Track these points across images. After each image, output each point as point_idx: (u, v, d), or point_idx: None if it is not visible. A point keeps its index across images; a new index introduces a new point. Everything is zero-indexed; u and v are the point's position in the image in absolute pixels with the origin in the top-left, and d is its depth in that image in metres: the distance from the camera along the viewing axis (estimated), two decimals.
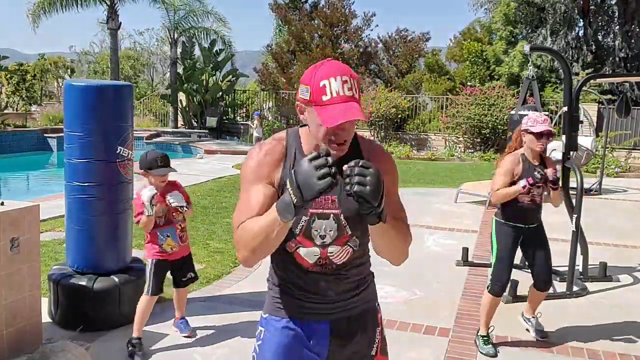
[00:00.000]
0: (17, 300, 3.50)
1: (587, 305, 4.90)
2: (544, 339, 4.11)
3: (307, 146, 1.81)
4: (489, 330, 4.03)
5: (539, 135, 3.79)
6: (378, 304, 2.03)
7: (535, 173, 3.80)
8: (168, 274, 4.00)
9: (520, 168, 3.86)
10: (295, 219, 1.67)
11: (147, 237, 3.85)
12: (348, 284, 1.89)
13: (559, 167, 4.00)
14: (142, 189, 3.73)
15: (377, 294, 2.05)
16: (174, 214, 3.85)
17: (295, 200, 1.56)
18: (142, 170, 3.80)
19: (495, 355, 3.90)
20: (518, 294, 4.89)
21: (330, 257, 1.83)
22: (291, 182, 1.57)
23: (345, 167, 1.58)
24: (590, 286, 5.29)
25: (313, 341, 1.89)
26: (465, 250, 6.01)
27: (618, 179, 13.07)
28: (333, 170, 1.53)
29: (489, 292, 3.99)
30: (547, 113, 5.52)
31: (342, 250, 1.83)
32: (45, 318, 4.01)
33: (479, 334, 4.05)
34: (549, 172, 3.83)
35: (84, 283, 4.07)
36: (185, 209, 3.83)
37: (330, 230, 1.80)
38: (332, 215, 1.79)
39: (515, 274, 5.46)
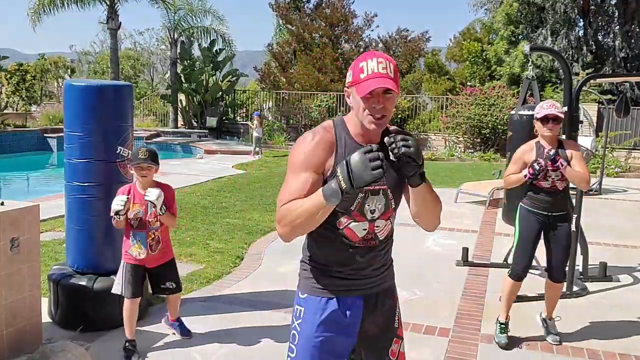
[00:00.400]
0: (17, 300, 3.50)
1: (587, 305, 4.90)
2: (557, 344, 4.06)
3: (354, 131, 1.99)
4: (508, 319, 4.08)
5: (544, 120, 3.87)
6: (394, 282, 2.27)
7: (535, 164, 3.84)
8: None
9: (532, 155, 3.94)
10: (352, 196, 1.92)
11: (124, 233, 3.79)
12: (380, 261, 2.11)
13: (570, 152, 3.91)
14: (120, 194, 3.68)
15: None
16: (149, 220, 3.71)
17: (345, 187, 1.76)
18: (128, 165, 3.77)
19: (505, 347, 3.95)
20: (518, 293, 4.89)
21: (376, 231, 2.04)
22: (342, 171, 1.77)
23: (385, 139, 1.84)
24: (590, 286, 5.29)
25: (349, 315, 2.08)
26: (465, 250, 6.01)
27: (618, 179, 13.07)
28: (384, 163, 1.75)
29: (508, 276, 4.08)
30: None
31: (385, 224, 2.06)
32: (45, 318, 4.01)
33: (498, 319, 4.12)
34: (552, 152, 3.84)
35: (84, 283, 4.07)
36: (160, 211, 3.63)
37: (379, 205, 2.01)
38: (381, 190, 2.00)
39: None
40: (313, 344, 2.07)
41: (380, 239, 2.06)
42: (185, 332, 4.04)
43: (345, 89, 2.00)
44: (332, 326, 2.07)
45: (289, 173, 1.98)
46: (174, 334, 4.06)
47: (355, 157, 1.75)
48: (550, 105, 3.88)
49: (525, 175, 3.90)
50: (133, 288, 3.75)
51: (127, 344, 3.74)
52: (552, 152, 3.80)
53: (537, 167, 3.82)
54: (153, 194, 3.61)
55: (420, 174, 1.89)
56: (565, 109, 5.39)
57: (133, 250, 3.75)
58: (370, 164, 1.73)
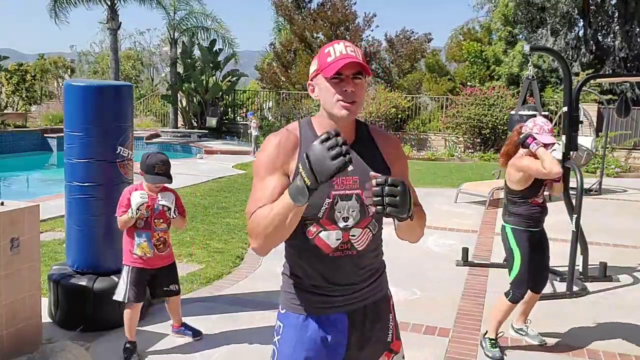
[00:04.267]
0: (17, 300, 3.50)
1: (587, 305, 4.90)
2: (543, 344, 4.02)
3: (320, 132, 1.81)
4: (498, 335, 3.95)
5: (547, 146, 3.73)
6: (389, 291, 2.07)
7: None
8: None
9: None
10: (318, 201, 1.75)
11: (125, 235, 3.74)
12: (365, 273, 1.92)
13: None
14: (134, 191, 3.64)
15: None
16: (155, 220, 3.69)
17: (309, 183, 1.59)
18: (140, 170, 3.76)
19: (502, 359, 3.85)
20: None
21: (352, 241, 1.84)
22: (304, 166, 1.60)
23: (374, 182, 1.61)
24: (590, 286, 5.29)
25: (332, 334, 1.91)
26: (465, 250, 6.01)
27: (618, 179, 13.06)
28: (345, 149, 1.56)
29: (508, 300, 3.86)
30: (546, 113, 5.51)
31: (363, 233, 1.85)
32: (45, 318, 4.01)
33: (486, 336, 3.95)
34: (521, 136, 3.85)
35: (84, 283, 4.07)
36: (173, 215, 3.66)
37: (353, 212, 1.82)
38: (354, 195, 1.81)
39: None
40: None
41: (359, 249, 1.85)
42: (196, 333, 4.02)
43: (309, 82, 1.85)
44: (312, 346, 1.89)
45: (255, 181, 1.83)
46: (181, 336, 4.02)
47: (313, 147, 1.58)
48: (550, 130, 3.83)
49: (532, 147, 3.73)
50: (137, 293, 3.69)
51: (127, 344, 3.74)
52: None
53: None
54: (166, 199, 3.64)
55: (407, 218, 1.67)
56: (565, 109, 5.40)
57: (138, 250, 3.69)
58: (329, 153, 1.55)
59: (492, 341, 3.91)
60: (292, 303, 1.94)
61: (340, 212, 1.81)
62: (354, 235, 1.84)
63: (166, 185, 3.79)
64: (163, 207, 3.66)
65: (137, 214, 3.56)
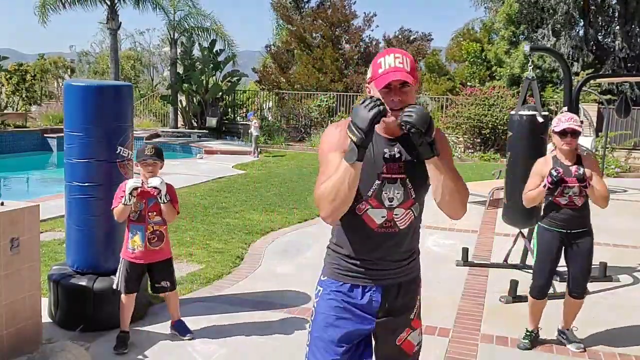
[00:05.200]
0: (17, 300, 3.50)
1: (587, 305, 4.88)
2: (581, 351, 4.00)
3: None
4: (537, 330, 4.07)
5: (562, 134, 3.75)
6: (420, 273, 2.28)
7: (552, 171, 3.73)
8: None
9: (548, 169, 3.81)
10: (368, 182, 2.01)
11: (126, 229, 3.86)
12: (404, 252, 2.14)
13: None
14: (128, 180, 3.77)
15: None
16: (149, 213, 3.77)
17: (356, 138, 1.88)
18: (135, 162, 3.83)
19: (525, 348, 3.99)
20: (518, 294, 4.89)
21: (395, 220, 2.08)
22: (349, 127, 1.90)
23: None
24: (590, 286, 5.27)
25: (366, 303, 2.12)
26: (465, 250, 6.01)
27: (618, 179, 13.06)
28: (379, 102, 1.89)
29: (530, 295, 4.06)
30: (546, 113, 5.49)
31: (405, 213, 2.09)
32: (45, 318, 4.02)
33: (527, 327, 4.09)
34: (573, 168, 3.75)
35: (84, 283, 4.07)
36: (164, 199, 3.69)
37: (398, 193, 2.06)
38: (399, 179, 2.06)
39: (515, 275, 5.47)
40: (326, 322, 2.13)
41: (401, 227, 2.08)
42: (182, 332, 4.02)
43: (366, 85, 2.11)
44: (347, 310, 2.12)
45: (321, 165, 2.07)
46: (175, 334, 4.05)
47: (355, 109, 1.92)
48: (569, 119, 3.75)
49: (545, 185, 3.77)
50: (128, 284, 3.83)
51: (120, 333, 3.83)
52: (581, 170, 3.69)
53: (554, 173, 3.72)
54: (155, 180, 3.70)
55: (429, 144, 1.92)
56: (565, 109, 5.40)
57: (131, 243, 3.80)
58: (367, 108, 1.88)
59: (528, 332, 4.06)
60: (334, 271, 2.16)
61: (386, 192, 2.05)
62: (397, 215, 2.07)
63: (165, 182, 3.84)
64: (153, 190, 3.71)
65: (130, 200, 3.64)
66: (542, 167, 3.88)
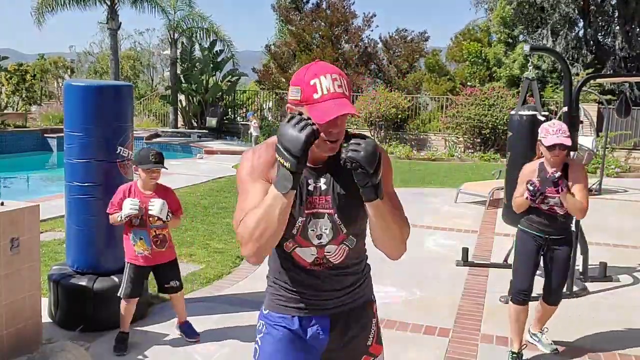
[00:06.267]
0: (17, 300, 3.50)
1: (587, 305, 4.90)
2: (556, 352, 3.95)
3: None
4: (522, 347, 3.84)
5: (550, 147, 3.59)
6: (373, 296, 2.07)
7: (528, 185, 3.63)
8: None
9: (535, 176, 3.70)
10: (292, 220, 1.76)
11: (124, 233, 3.83)
12: (346, 281, 1.93)
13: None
14: (127, 193, 3.74)
15: (377, 295, 2.09)
16: (150, 218, 3.74)
17: (289, 164, 1.61)
18: (134, 165, 3.80)
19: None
20: None
21: (328, 257, 1.87)
22: (279, 151, 1.63)
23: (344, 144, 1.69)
24: (590, 286, 5.29)
25: (313, 335, 1.93)
26: (465, 250, 6.01)
27: (618, 179, 13.06)
28: (310, 120, 1.62)
29: (511, 301, 3.86)
30: (546, 113, 5.48)
31: (338, 249, 1.87)
32: (45, 318, 4.01)
33: (510, 349, 3.87)
34: (550, 170, 3.61)
35: (84, 283, 4.07)
36: (166, 218, 3.71)
37: (326, 229, 1.83)
38: (326, 214, 1.82)
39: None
40: None
41: (335, 263, 1.87)
42: (190, 334, 4.00)
43: (289, 105, 1.76)
44: (292, 345, 1.92)
45: (239, 193, 1.82)
46: (180, 335, 4.03)
47: (281, 129, 1.63)
48: (558, 131, 3.56)
49: (527, 197, 3.68)
50: (132, 289, 3.80)
51: (119, 333, 3.83)
52: (557, 174, 3.53)
53: (530, 187, 3.61)
54: (157, 206, 3.65)
55: (373, 187, 1.67)
56: (565, 109, 5.40)
57: (137, 248, 3.78)
58: (297, 128, 1.59)
59: (514, 355, 3.83)
60: (275, 303, 1.96)
61: (313, 230, 1.82)
62: (329, 252, 1.86)
63: (164, 185, 3.85)
64: (152, 195, 3.72)
65: (126, 219, 3.66)
66: (528, 174, 3.76)
